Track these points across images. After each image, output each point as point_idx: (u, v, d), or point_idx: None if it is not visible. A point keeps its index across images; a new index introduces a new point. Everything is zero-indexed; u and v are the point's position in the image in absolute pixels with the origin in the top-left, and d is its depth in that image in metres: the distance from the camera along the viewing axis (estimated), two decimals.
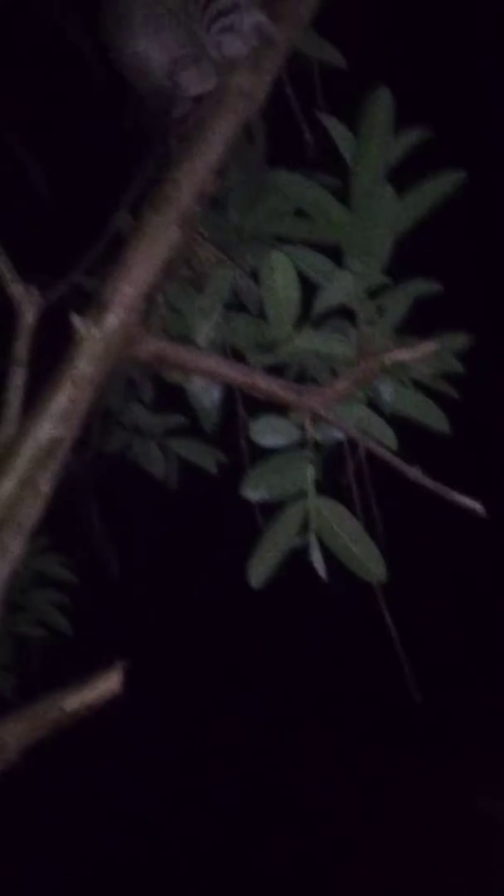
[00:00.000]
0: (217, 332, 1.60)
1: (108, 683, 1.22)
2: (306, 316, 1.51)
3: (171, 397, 1.89)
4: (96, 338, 1.24)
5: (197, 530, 3.07)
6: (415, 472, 1.45)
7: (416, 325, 1.60)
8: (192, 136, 1.28)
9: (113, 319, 1.25)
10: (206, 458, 2.08)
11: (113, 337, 1.26)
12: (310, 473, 1.46)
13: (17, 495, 1.21)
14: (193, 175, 1.25)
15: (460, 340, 1.59)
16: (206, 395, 1.63)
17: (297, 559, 1.48)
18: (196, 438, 2.06)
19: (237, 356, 1.69)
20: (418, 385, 1.60)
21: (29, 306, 1.29)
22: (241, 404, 1.81)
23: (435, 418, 1.61)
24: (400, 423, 1.57)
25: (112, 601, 2.60)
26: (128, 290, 1.24)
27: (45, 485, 1.28)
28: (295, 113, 1.77)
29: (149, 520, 2.78)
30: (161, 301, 1.51)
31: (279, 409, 1.51)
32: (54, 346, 1.46)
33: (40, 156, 2.83)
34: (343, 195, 1.56)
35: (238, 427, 1.90)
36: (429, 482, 1.44)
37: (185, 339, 1.60)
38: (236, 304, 1.70)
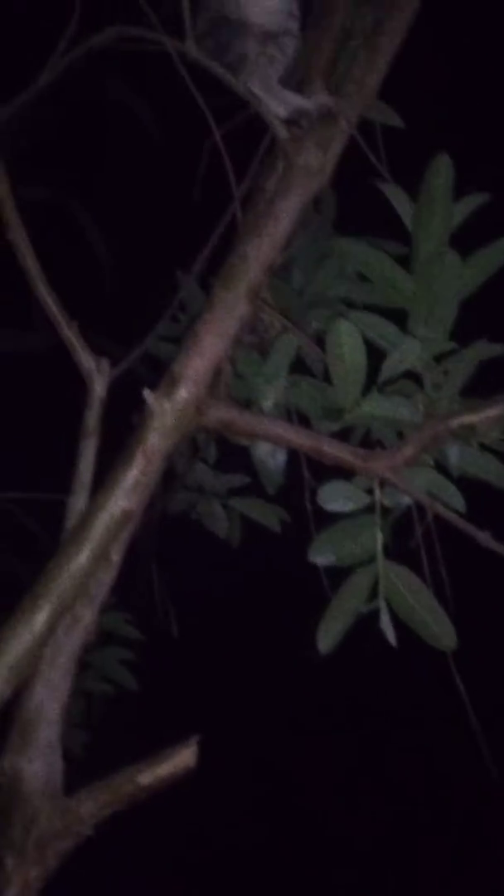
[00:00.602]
0: (282, 395, 1.61)
1: (183, 758, 1.22)
2: (372, 381, 1.52)
3: (234, 456, 1.91)
4: (167, 412, 1.26)
5: (260, 590, 3.07)
6: (484, 537, 1.44)
7: (480, 386, 1.61)
8: (260, 211, 1.30)
9: (183, 393, 1.27)
10: (270, 517, 2.09)
11: (183, 411, 1.27)
12: (378, 538, 1.45)
13: (90, 567, 1.22)
14: (261, 251, 1.27)
15: None
16: (272, 459, 1.64)
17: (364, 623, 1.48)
18: (259, 497, 2.07)
19: (302, 419, 1.71)
20: (485, 447, 1.59)
21: (99, 377, 1.32)
22: (305, 465, 1.83)
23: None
24: (470, 486, 1.57)
25: (174, 659, 2.61)
26: (198, 364, 1.26)
27: (116, 554, 1.30)
28: (358, 178, 1.79)
29: (212, 579, 2.78)
30: (228, 367, 1.53)
31: (345, 472, 1.52)
32: (122, 412, 1.48)
33: (104, 225, 2.90)
34: (406, 260, 1.58)
35: (302, 487, 1.91)
36: (498, 547, 1.43)
37: (250, 403, 1.62)
38: (300, 368, 1.72)
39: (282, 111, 1.31)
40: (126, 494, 1.24)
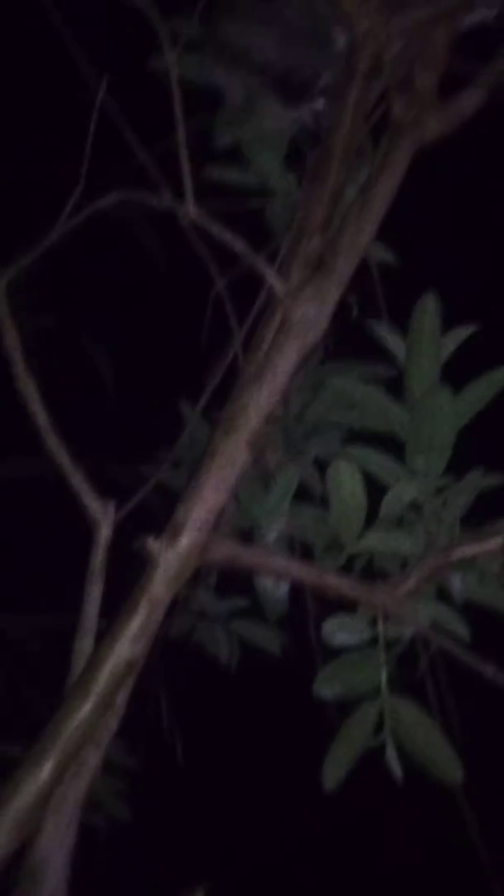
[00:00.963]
0: (284, 527, 1.64)
1: None
2: (373, 511, 1.54)
3: (236, 579, 1.92)
4: (170, 561, 1.28)
5: (263, 716, 3.05)
6: (489, 669, 1.44)
7: (480, 514, 1.63)
8: (259, 361, 1.35)
9: (186, 542, 1.30)
10: (271, 641, 2.09)
11: (186, 558, 1.30)
12: (383, 672, 1.46)
13: (95, 717, 1.23)
14: (260, 401, 1.31)
15: None
16: (275, 589, 1.66)
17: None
18: (260, 621, 2.08)
19: (304, 547, 1.73)
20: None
21: (105, 522, 1.34)
22: (309, 594, 1.84)
23: None
24: (477, 613, 1.58)
25: (178, 787, 2.57)
26: (200, 512, 1.30)
27: (121, 699, 1.31)
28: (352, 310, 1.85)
29: (215, 705, 2.76)
30: (231, 501, 1.56)
31: (348, 604, 1.53)
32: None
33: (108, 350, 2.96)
34: (398, 383, 1.63)
35: (306, 614, 1.92)
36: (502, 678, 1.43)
37: (251, 533, 1.64)
38: (303, 494, 1.75)
39: None
40: (131, 643, 1.26)
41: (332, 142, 1.40)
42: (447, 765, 1.45)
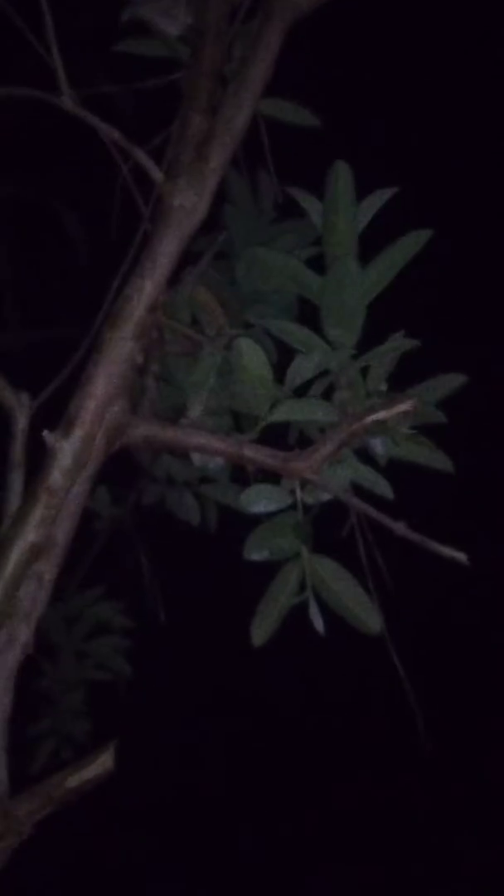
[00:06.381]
0: (215, 400, 1.70)
1: (102, 762, 1.34)
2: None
3: None
4: (66, 451, 1.35)
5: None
6: (400, 527, 1.52)
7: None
8: (142, 253, 1.38)
9: (79, 433, 1.36)
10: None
11: (80, 449, 1.37)
12: (301, 535, 1.54)
13: (6, 596, 1.33)
14: (143, 292, 1.35)
15: (447, 386, 1.66)
16: (210, 464, 1.73)
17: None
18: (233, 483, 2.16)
19: (238, 419, 1.79)
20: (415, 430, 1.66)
21: (22, 411, 1.41)
22: None
23: (434, 460, 1.67)
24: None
25: (165, 644, 2.73)
26: (90, 404, 1.36)
27: (49, 574, 1.41)
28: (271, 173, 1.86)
29: (193, 566, 2.89)
30: (153, 383, 1.62)
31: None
32: None
33: None
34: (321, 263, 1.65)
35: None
36: (414, 536, 1.51)
37: (183, 410, 1.70)
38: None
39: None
40: (33, 529, 1.34)
41: (202, 20, 1.39)
42: (366, 616, 1.54)
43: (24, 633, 1.38)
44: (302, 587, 1.56)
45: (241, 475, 1.94)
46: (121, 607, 2.61)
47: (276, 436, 1.69)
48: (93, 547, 2.58)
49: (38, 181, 3.20)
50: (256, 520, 2.13)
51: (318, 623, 1.54)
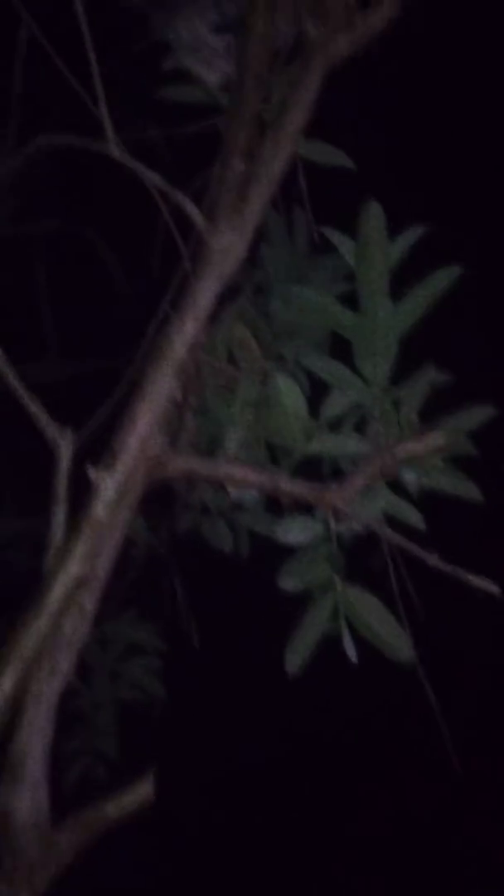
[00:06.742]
0: (251, 433, 1.75)
1: (142, 790, 1.37)
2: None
3: None
4: (108, 485, 1.40)
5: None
6: (432, 558, 1.55)
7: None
8: (182, 293, 1.43)
9: (121, 467, 1.41)
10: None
11: (124, 484, 1.42)
12: (334, 565, 1.58)
13: (50, 629, 1.37)
14: (184, 331, 1.40)
15: (477, 418, 1.69)
16: (246, 495, 1.78)
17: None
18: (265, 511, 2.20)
19: (273, 451, 1.84)
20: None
21: (65, 447, 1.46)
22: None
23: (465, 489, 1.71)
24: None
25: (197, 667, 2.77)
26: (133, 441, 1.41)
27: (90, 604, 1.46)
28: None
29: (226, 592, 2.93)
30: (191, 418, 1.67)
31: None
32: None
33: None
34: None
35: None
36: (446, 567, 1.54)
37: (219, 442, 1.75)
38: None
39: None
40: (77, 562, 1.39)
41: (242, 67, 1.44)
42: (398, 644, 1.58)
43: (65, 663, 1.43)
44: (335, 616, 1.59)
45: (273, 504, 2.00)
46: (155, 630, 2.66)
47: (310, 467, 1.74)
48: (129, 572, 2.63)
49: (79, 218, 3.28)
50: (287, 547, 2.20)
51: (351, 651, 1.58)
